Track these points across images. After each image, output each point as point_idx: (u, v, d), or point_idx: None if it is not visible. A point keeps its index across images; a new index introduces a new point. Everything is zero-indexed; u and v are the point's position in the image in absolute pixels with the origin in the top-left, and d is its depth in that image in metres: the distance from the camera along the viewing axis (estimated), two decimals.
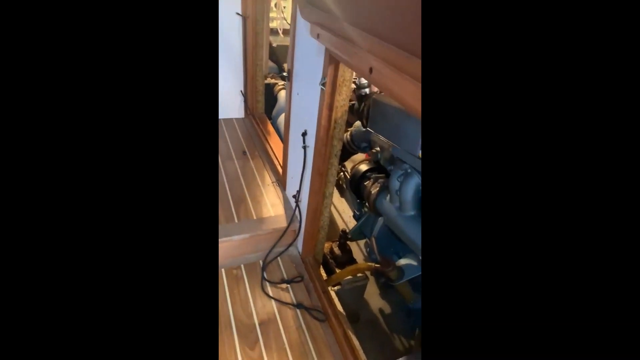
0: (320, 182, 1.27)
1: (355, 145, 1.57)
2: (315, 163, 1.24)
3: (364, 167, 1.34)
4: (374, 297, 1.84)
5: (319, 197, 1.32)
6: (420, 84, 0.55)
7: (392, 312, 1.80)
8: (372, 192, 1.25)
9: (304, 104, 1.27)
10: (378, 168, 1.34)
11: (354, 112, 1.32)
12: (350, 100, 1.19)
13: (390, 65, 0.62)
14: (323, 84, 1.05)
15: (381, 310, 1.81)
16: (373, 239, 1.26)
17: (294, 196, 1.42)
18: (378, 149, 1.31)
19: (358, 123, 1.54)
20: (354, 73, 1.12)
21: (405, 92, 0.59)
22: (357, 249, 2.00)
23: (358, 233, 1.72)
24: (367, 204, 1.33)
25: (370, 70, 0.68)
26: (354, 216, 1.85)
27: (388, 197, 1.20)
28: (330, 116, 1.10)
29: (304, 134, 1.26)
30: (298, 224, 1.50)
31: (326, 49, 0.99)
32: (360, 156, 1.93)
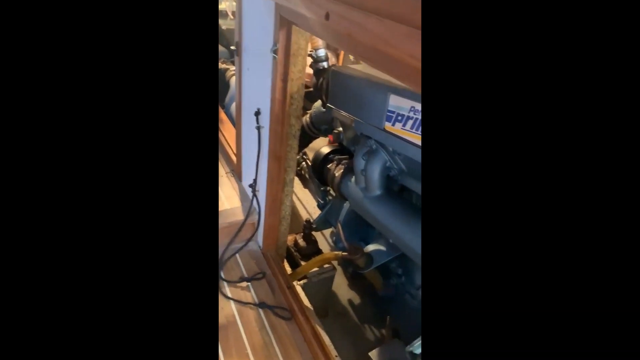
0: (279, 167, 1.15)
1: (316, 127, 1.46)
2: (272, 145, 1.11)
3: (325, 150, 1.24)
4: (342, 288, 1.77)
5: (278, 185, 1.20)
6: (389, 22, 0.45)
7: (361, 302, 1.73)
8: (336, 175, 1.15)
9: (255, 79, 1.13)
10: (341, 149, 1.24)
11: (313, 92, 1.21)
12: (307, 87, 1.09)
13: (351, 6, 0.51)
14: (275, 51, 0.92)
15: (350, 301, 1.74)
16: (339, 226, 1.16)
17: (250, 185, 1.29)
18: (340, 129, 1.21)
19: (317, 104, 1.43)
20: (310, 44, 1.00)
21: (373, 36, 0.48)
22: (323, 239, 1.91)
23: (323, 222, 1.62)
24: (331, 189, 1.23)
25: (327, 16, 0.57)
26: (319, 205, 1.75)
27: (353, 179, 1.10)
28: (285, 89, 0.98)
29: (257, 113, 1.13)
30: (257, 216, 1.36)
31: (276, 9, 0.87)
32: (321, 142, 1.83)
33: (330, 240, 1.94)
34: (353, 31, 0.52)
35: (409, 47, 0.42)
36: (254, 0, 1.04)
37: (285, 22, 0.88)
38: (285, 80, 0.97)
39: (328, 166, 1.21)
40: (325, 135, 1.51)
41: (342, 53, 2.04)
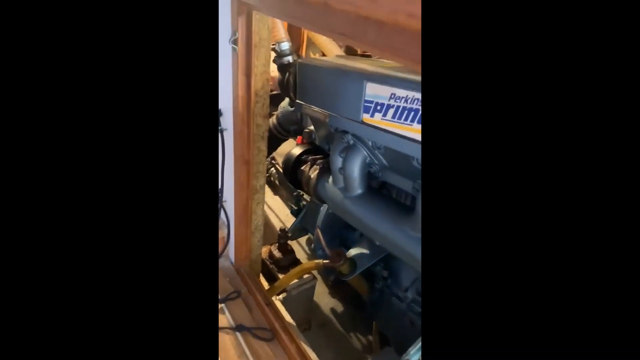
0: (247, 173, 1.04)
1: (284, 129, 1.36)
2: (237, 149, 1.00)
3: (297, 151, 1.14)
4: (323, 297, 1.67)
5: (247, 192, 1.09)
6: None
7: (345, 309, 1.65)
8: (312, 176, 1.06)
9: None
10: (314, 149, 1.16)
11: (280, 89, 1.11)
12: (271, 91, 1.00)
13: None
14: (234, 42, 0.82)
15: (333, 310, 1.65)
16: (318, 231, 1.07)
17: None
18: (312, 127, 1.12)
19: (284, 103, 1.34)
20: (272, 36, 0.91)
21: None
22: (299, 247, 1.81)
23: (299, 229, 1.52)
24: (306, 192, 1.14)
25: None
26: (292, 212, 1.65)
27: (330, 180, 1.02)
28: (248, 84, 0.88)
29: (219, 114, 1.01)
30: (226, 229, 1.23)
31: None
32: (290, 145, 1.73)
33: (307, 248, 1.84)
34: None
35: (404, 2, 0.34)
36: None
37: (243, 7, 0.78)
38: (248, 74, 0.87)
39: (302, 168, 1.12)
40: (295, 137, 1.42)
41: (304, 47, 1.96)
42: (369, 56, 1.41)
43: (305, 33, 1.96)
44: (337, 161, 0.94)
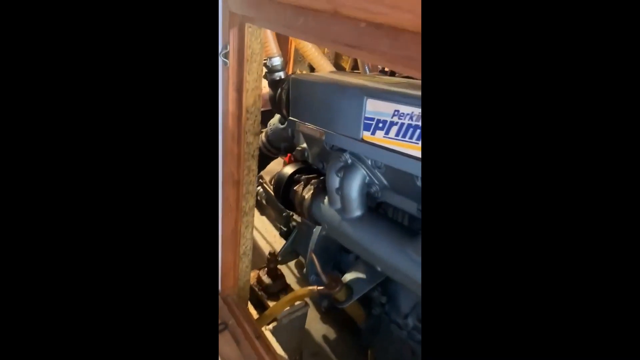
0: (236, 194, 0.97)
1: (274, 146, 1.30)
2: (226, 168, 0.93)
3: (289, 170, 1.08)
4: (314, 323, 1.58)
5: (236, 214, 1.01)
6: None
7: (337, 336, 1.56)
8: (306, 197, 1.00)
9: None
10: (307, 168, 1.10)
11: (271, 106, 1.06)
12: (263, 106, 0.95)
13: None
14: (225, 55, 0.77)
15: (325, 337, 1.56)
16: (313, 255, 1.00)
17: None
18: (304, 145, 1.07)
19: (274, 120, 1.29)
20: (264, 50, 0.86)
21: None
22: (288, 270, 1.72)
23: (289, 253, 1.44)
24: (299, 214, 1.07)
25: None
26: (281, 234, 1.57)
27: (326, 200, 0.96)
28: (240, 100, 0.82)
29: None
30: None
31: (223, 2, 0.72)
32: (277, 164, 1.67)
33: (297, 271, 1.76)
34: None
35: None
36: None
37: (235, 19, 0.73)
38: (239, 90, 0.81)
39: (294, 188, 1.06)
40: (285, 154, 1.36)
41: (291, 63, 1.93)
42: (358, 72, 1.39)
43: (293, 48, 1.94)
44: (334, 181, 0.88)
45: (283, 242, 1.59)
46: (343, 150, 0.86)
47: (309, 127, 0.91)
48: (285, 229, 1.53)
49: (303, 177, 1.05)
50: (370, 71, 1.48)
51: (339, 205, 0.91)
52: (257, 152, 0.96)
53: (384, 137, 0.72)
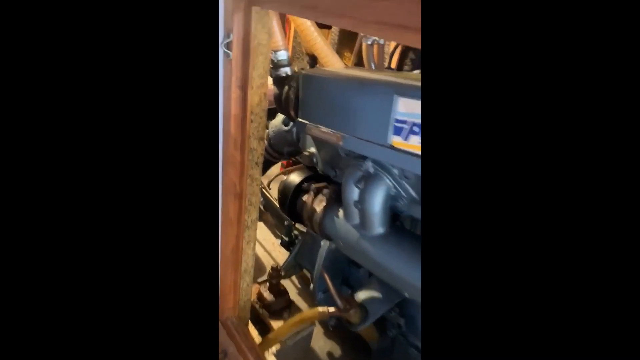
0: (238, 207, 0.84)
1: (276, 150, 1.18)
2: (227, 177, 0.80)
3: (297, 178, 0.96)
4: (318, 339, 1.46)
5: (237, 229, 0.89)
6: None
7: (343, 353, 1.45)
8: (317, 209, 0.88)
9: None
10: (316, 176, 0.98)
11: (278, 105, 0.94)
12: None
13: None
14: (227, 46, 0.64)
15: (330, 355, 1.44)
16: (325, 275, 0.88)
17: None
18: (313, 149, 0.95)
19: (276, 121, 1.16)
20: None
21: None
22: (291, 284, 1.60)
23: (293, 266, 1.32)
24: (309, 227, 0.95)
25: None
26: (282, 243, 1.45)
27: (341, 213, 0.84)
28: (244, 100, 0.70)
29: None
30: None
31: None
32: (276, 168, 1.55)
33: (297, 282, 1.64)
34: None
35: None
36: None
37: (240, 2, 0.61)
38: (244, 87, 0.69)
39: (303, 199, 0.94)
40: (288, 159, 1.24)
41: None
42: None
43: (291, 43, 1.81)
44: (352, 193, 0.77)
45: (282, 250, 1.47)
46: (364, 158, 0.74)
47: (322, 131, 0.79)
48: (286, 239, 1.41)
49: (312, 186, 0.93)
50: (375, 68, 1.36)
51: (357, 220, 0.80)
52: (261, 159, 0.84)
53: (420, 143, 0.61)
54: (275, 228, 1.59)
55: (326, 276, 0.88)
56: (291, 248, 1.38)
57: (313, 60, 1.89)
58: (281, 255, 1.56)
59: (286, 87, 0.90)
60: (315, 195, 0.92)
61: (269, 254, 1.64)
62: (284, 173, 1.15)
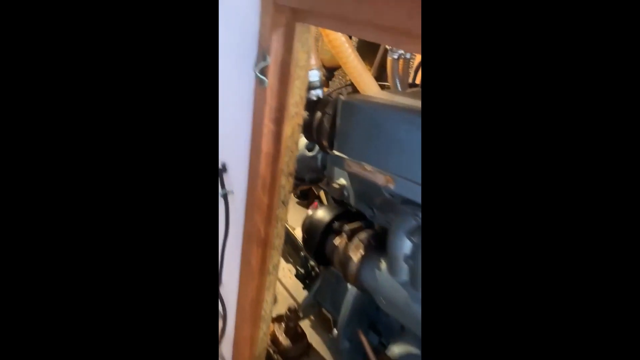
0: (262, 255, 0.71)
1: (297, 176, 1.05)
2: (251, 224, 0.67)
3: (326, 216, 0.83)
4: None
5: (259, 280, 0.75)
6: None
7: None
8: (353, 258, 0.75)
9: (221, 116, 0.70)
10: (348, 213, 0.85)
11: (306, 133, 0.81)
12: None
13: None
14: (262, 71, 0.52)
15: None
16: (362, 336, 0.75)
17: None
18: (342, 181, 0.82)
19: (299, 144, 1.03)
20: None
21: None
22: (306, 322, 1.46)
23: (312, 305, 1.18)
24: (342, 275, 0.82)
25: None
26: (297, 276, 1.31)
27: (383, 266, 0.71)
28: (278, 134, 0.57)
29: (222, 170, 0.69)
30: (221, 321, 0.88)
31: None
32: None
33: (311, 317, 1.50)
34: None
35: None
36: None
37: (281, 16, 0.48)
38: (279, 120, 0.56)
39: (334, 242, 0.80)
40: (310, 185, 1.11)
41: None
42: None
43: None
44: (403, 246, 0.64)
45: (295, 280, 1.34)
46: (419, 205, 0.62)
47: (367, 169, 0.66)
48: (302, 271, 1.27)
49: (346, 227, 0.80)
50: (400, 86, 1.25)
51: (405, 277, 0.67)
52: (288, 198, 0.71)
53: None
54: (289, 255, 1.45)
55: (363, 338, 0.74)
56: (307, 281, 1.24)
57: (330, 72, 1.77)
58: (292, 283, 1.43)
59: (318, 113, 0.77)
60: (349, 238, 0.79)
61: (280, 281, 1.50)
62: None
